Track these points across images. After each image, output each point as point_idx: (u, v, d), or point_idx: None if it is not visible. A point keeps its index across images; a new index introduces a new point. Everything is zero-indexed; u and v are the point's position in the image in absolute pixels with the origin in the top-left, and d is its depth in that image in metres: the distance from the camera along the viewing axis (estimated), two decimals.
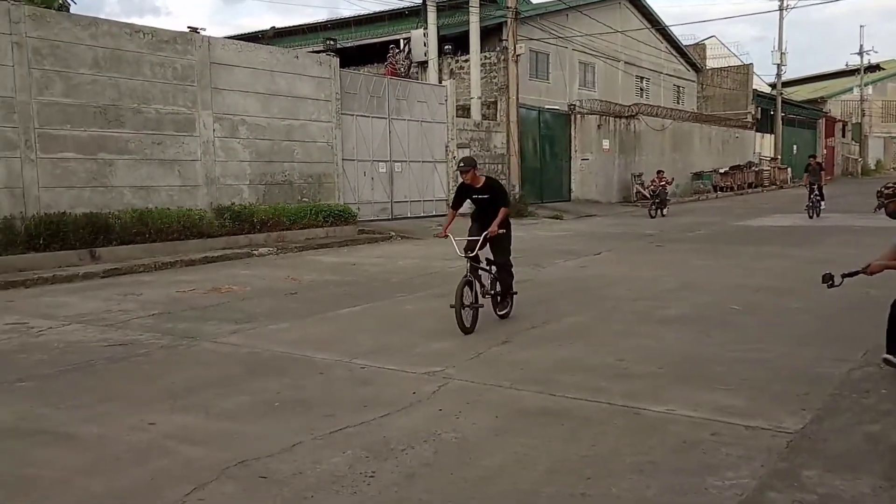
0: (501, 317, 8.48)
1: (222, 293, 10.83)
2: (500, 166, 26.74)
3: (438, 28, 26.67)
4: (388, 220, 21.34)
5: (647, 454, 4.62)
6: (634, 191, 31.32)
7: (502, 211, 8.08)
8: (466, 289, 7.77)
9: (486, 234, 7.93)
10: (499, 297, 8.41)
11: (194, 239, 15.14)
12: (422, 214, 22.42)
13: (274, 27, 32.18)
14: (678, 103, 41.24)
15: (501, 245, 8.23)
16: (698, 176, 38.20)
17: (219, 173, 17.14)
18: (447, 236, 8.17)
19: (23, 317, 9.08)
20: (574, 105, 30.87)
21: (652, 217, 24.62)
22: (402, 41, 27.45)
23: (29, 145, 13.95)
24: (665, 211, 25.25)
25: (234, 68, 17.44)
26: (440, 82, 25.77)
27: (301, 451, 4.72)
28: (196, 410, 5.54)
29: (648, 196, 26.61)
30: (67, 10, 16.95)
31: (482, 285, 8.12)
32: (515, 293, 8.68)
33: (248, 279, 12.08)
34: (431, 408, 5.55)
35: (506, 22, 25.85)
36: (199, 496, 4.09)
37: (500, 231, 7.96)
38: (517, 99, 26.03)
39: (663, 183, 25.81)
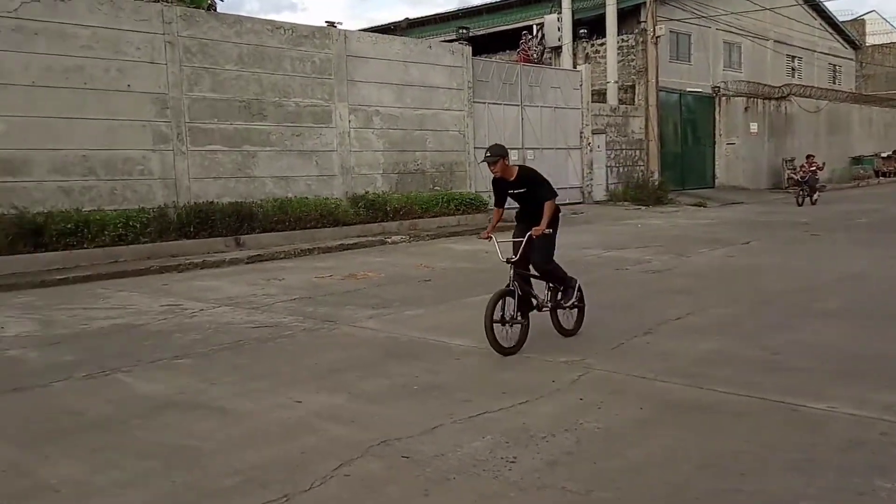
0: (566, 334, 7.19)
1: (358, 279, 11.20)
2: (637, 152, 26.15)
3: (573, 12, 26.31)
4: None
5: (806, 452, 4.39)
6: (786, 176, 29.73)
7: (548, 205, 6.69)
8: (508, 300, 6.57)
9: (530, 234, 6.63)
10: (558, 310, 7.13)
11: (330, 227, 15.75)
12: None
13: (407, 18, 32.82)
14: (834, 83, 38.69)
15: (539, 243, 6.75)
16: (857, 160, 35.79)
17: (353, 163, 17.70)
18: (490, 238, 6.84)
19: (177, 299, 9.76)
20: (718, 87, 29.67)
21: (799, 205, 23.28)
22: (534, 27, 27.28)
23: (181, 138, 14.93)
24: (815, 198, 23.80)
25: (369, 60, 17.94)
26: (575, 67, 25.44)
27: (441, 434, 4.81)
28: (339, 391, 5.76)
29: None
30: (215, 9, 17.98)
31: (534, 297, 6.91)
32: (582, 305, 7.31)
33: (382, 266, 12.42)
34: (572, 396, 5.51)
35: (644, 3, 25.16)
36: (345, 472, 4.27)
37: (548, 231, 6.63)
38: (657, 82, 25.31)
39: (813, 168, 24.32)
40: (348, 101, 17.52)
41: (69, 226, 12.44)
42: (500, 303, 6.51)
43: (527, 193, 6.83)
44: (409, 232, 16.58)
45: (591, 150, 24.27)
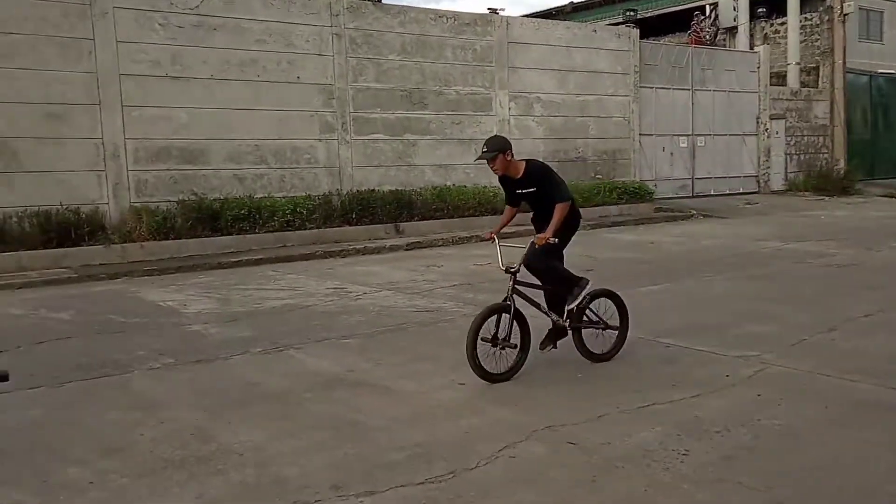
0: (595, 359, 6.08)
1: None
2: (821, 138, 24.61)
3: None
4: (689, 197, 20.73)
5: None
6: None
7: (559, 208, 5.65)
8: (503, 316, 5.60)
9: (533, 242, 5.68)
10: (582, 330, 6.06)
11: (488, 215, 15.89)
12: (727, 192, 21.49)
13: (571, 2, 32.47)
14: None
15: (542, 247, 5.68)
16: None
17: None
18: (493, 239, 5.94)
19: (342, 282, 10.25)
20: None
21: None
22: (707, 7, 26.25)
23: (345, 128, 15.62)
24: None
25: (530, 46, 17.96)
26: (751, 48, 24.26)
27: (608, 423, 4.79)
28: None
29: None
30: (380, 0, 18.64)
31: (546, 314, 6.02)
32: (621, 327, 6.22)
33: None
34: (748, 392, 5.31)
35: None
36: (510, 453, 4.34)
37: (552, 240, 5.59)
38: (844, 63, 23.70)
39: None
40: (509, 88, 17.63)
41: (242, 211, 13.36)
42: (492, 319, 5.58)
43: (538, 193, 5.83)
44: None
45: (768, 137, 23.07)
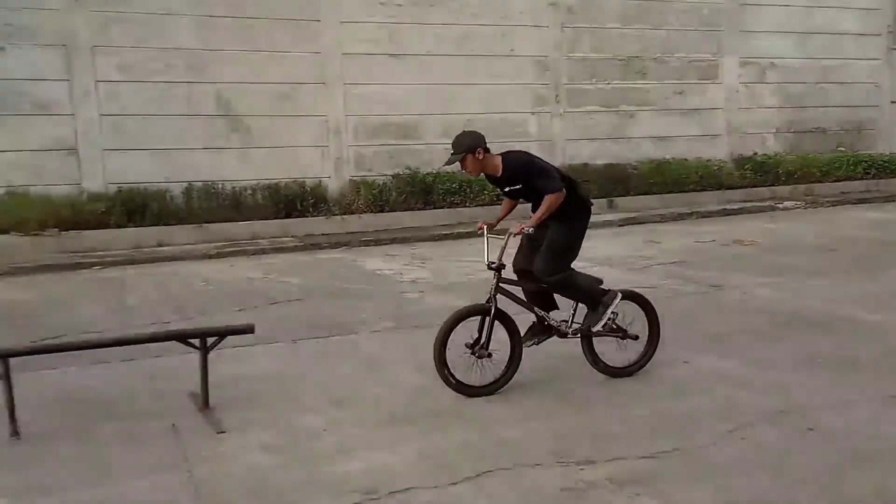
0: (612, 374, 5.31)
1: (745, 245, 10.76)
2: None
3: None
4: None
5: None
6: None
7: (547, 199, 4.98)
8: (485, 319, 5.02)
9: (512, 233, 5.05)
10: (591, 339, 5.30)
11: (711, 190, 15.30)
12: None
13: None
14: None
15: (545, 245, 5.14)
16: None
17: (741, 122, 16.89)
18: (483, 230, 5.25)
19: None
20: None
21: None
22: None
23: (558, 100, 15.58)
24: None
25: (764, 7, 16.89)
26: None
27: (854, 411, 4.50)
28: (731, 355, 5.65)
29: None
30: None
31: (539, 318, 5.31)
32: (626, 336, 5.35)
33: (773, 233, 11.78)
34: None
35: None
36: (740, 435, 4.21)
37: (528, 230, 4.97)
38: None
39: None
40: (738, 53, 16.72)
41: (454, 185, 13.80)
42: (475, 323, 5.03)
43: (524, 189, 5.18)
44: (805, 197, 15.42)
45: None
